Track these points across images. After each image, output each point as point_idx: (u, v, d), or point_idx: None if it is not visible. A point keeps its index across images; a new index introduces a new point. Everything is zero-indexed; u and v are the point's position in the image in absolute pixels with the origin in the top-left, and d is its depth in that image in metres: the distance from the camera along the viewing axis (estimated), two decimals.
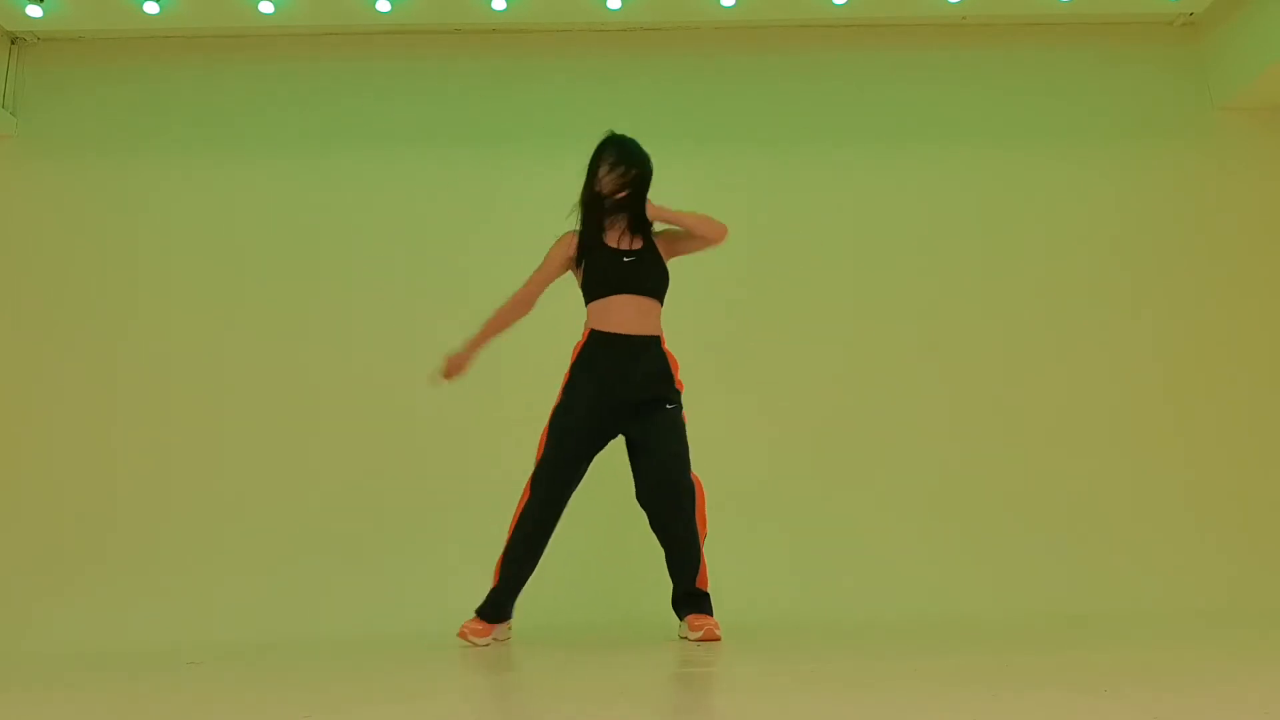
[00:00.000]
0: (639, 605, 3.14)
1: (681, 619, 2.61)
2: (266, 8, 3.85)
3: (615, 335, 2.65)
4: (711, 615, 2.58)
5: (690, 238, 2.82)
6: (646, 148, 4.05)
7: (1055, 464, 3.66)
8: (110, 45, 4.07)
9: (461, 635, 2.55)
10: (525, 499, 2.61)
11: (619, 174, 2.72)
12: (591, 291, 2.72)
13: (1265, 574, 3.39)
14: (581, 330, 2.73)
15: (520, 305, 2.81)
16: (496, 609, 2.61)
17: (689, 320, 3.79)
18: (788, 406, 3.75)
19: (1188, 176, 4.00)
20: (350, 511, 3.57)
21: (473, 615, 2.60)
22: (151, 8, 3.82)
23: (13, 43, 4.04)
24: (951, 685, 1.63)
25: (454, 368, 2.81)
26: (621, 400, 2.63)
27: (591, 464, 2.71)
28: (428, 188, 3.95)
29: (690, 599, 2.60)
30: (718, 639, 2.49)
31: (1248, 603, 3.21)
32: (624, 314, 2.67)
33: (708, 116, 4.07)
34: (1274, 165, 4.00)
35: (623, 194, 2.73)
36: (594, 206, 2.76)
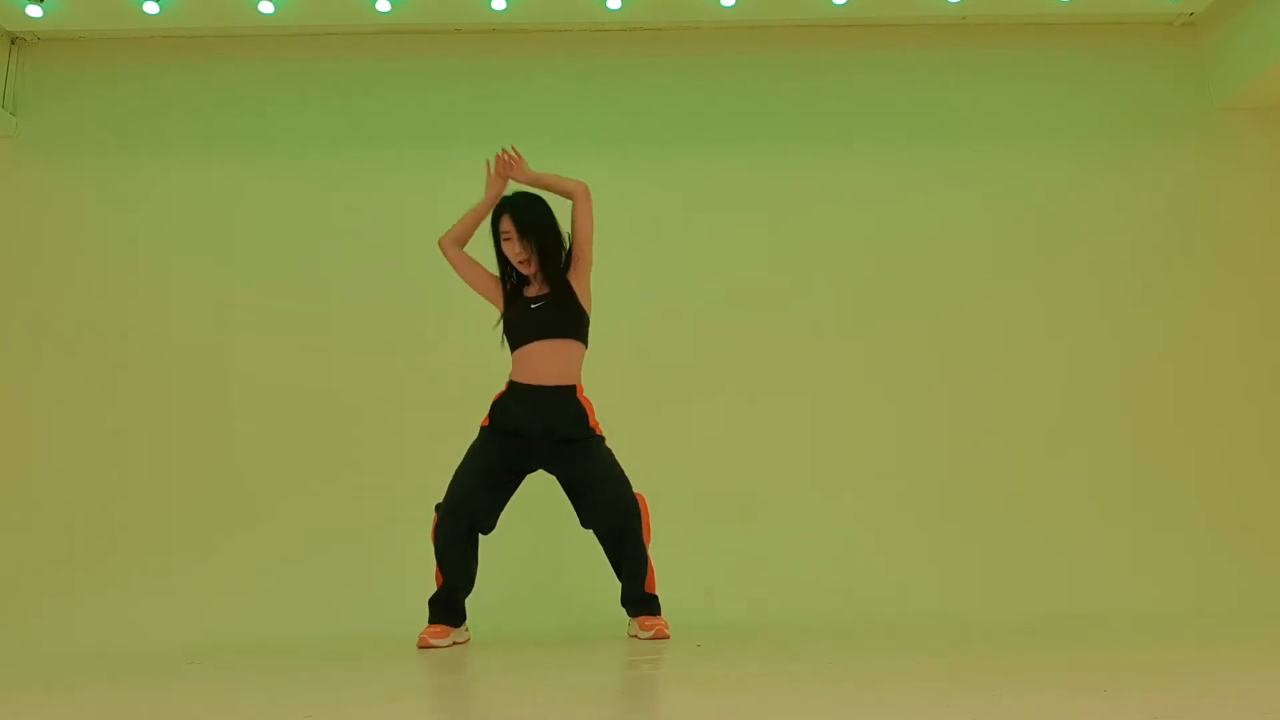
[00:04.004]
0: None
1: (632, 618, 2.73)
2: (266, 8, 3.85)
3: (530, 386, 2.71)
4: (660, 615, 2.71)
5: (573, 205, 2.90)
6: (646, 148, 4.06)
7: (1054, 463, 3.66)
8: (110, 45, 4.07)
9: (421, 645, 2.61)
10: (434, 524, 2.69)
11: (521, 249, 2.76)
12: (510, 342, 2.79)
13: (1265, 574, 3.39)
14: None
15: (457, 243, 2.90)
16: (436, 614, 2.69)
17: (689, 319, 3.82)
18: (788, 405, 3.75)
19: (1188, 176, 3.99)
20: (349, 512, 3.57)
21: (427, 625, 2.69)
22: (151, 8, 3.82)
23: (13, 43, 4.04)
24: (951, 685, 1.63)
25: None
26: (536, 445, 2.69)
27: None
28: (427, 187, 3.94)
29: (641, 602, 2.72)
30: (668, 637, 2.62)
31: (1248, 603, 3.21)
32: (542, 363, 2.72)
33: (708, 117, 4.07)
34: (1274, 165, 4.00)
35: (530, 268, 2.79)
36: (507, 267, 2.83)
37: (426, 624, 2.69)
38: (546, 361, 2.71)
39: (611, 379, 3.65)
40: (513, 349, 2.77)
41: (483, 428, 2.75)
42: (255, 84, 4.08)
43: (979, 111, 4.08)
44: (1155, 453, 3.67)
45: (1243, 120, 4.03)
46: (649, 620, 2.67)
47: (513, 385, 2.74)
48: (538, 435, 2.68)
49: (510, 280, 2.85)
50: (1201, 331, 3.82)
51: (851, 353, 3.81)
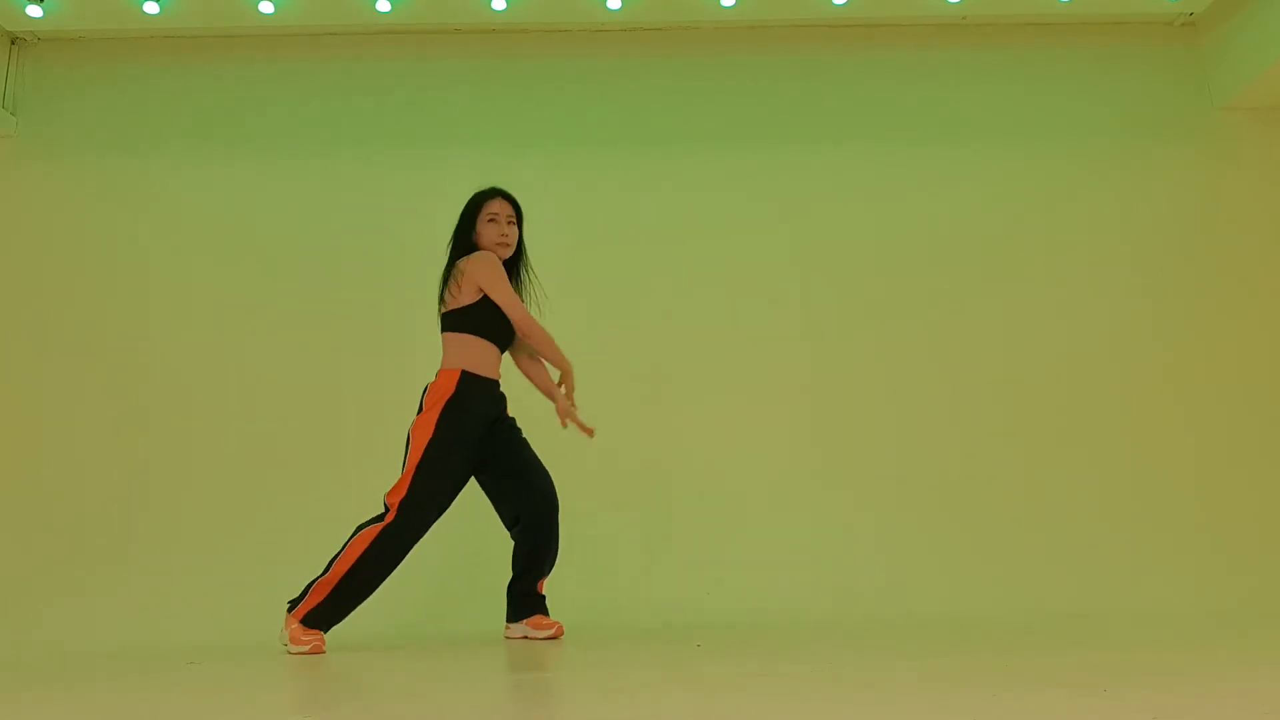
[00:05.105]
0: (636, 606, 3.15)
1: (519, 619, 2.72)
2: (266, 8, 3.85)
3: (486, 379, 2.72)
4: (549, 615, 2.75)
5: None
6: (646, 148, 4.07)
7: (1055, 463, 3.66)
8: (110, 45, 4.07)
9: (294, 640, 2.49)
10: (390, 522, 2.56)
11: (509, 234, 2.81)
12: (485, 330, 2.72)
13: (1265, 574, 3.39)
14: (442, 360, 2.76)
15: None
16: (328, 621, 2.56)
17: (690, 318, 3.82)
18: (789, 405, 3.75)
19: (1188, 176, 3.99)
20: (353, 511, 3.56)
21: (298, 622, 2.52)
22: (151, 8, 3.82)
23: (13, 43, 4.04)
24: (952, 685, 1.63)
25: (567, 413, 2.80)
26: (485, 437, 2.71)
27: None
28: (428, 187, 3.94)
29: (536, 600, 2.74)
30: (560, 634, 2.68)
31: (1248, 603, 3.21)
32: (495, 361, 2.77)
33: (708, 116, 4.07)
34: (1274, 165, 4.00)
35: (511, 251, 2.83)
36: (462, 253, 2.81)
37: (304, 625, 2.52)
38: (497, 360, 2.79)
39: (613, 379, 3.65)
40: (478, 334, 2.70)
41: (440, 424, 2.60)
42: (255, 84, 4.08)
43: (979, 111, 4.08)
44: (1155, 452, 3.68)
45: (1243, 120, 4.04)
46: (545, 620, 2.71)
47: (468, 375, 2.67)
48: (489, 425, 2.71)
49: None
50: (1201, 331, 3.82)
51: (852, 352, 3.81)
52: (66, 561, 3.45)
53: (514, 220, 2.83)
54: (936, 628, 2.72)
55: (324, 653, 2.51)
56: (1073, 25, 4.13)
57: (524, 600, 2.74)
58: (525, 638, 2.69)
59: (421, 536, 2.63)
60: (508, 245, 2.80)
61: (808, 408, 3.75)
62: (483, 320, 2.71)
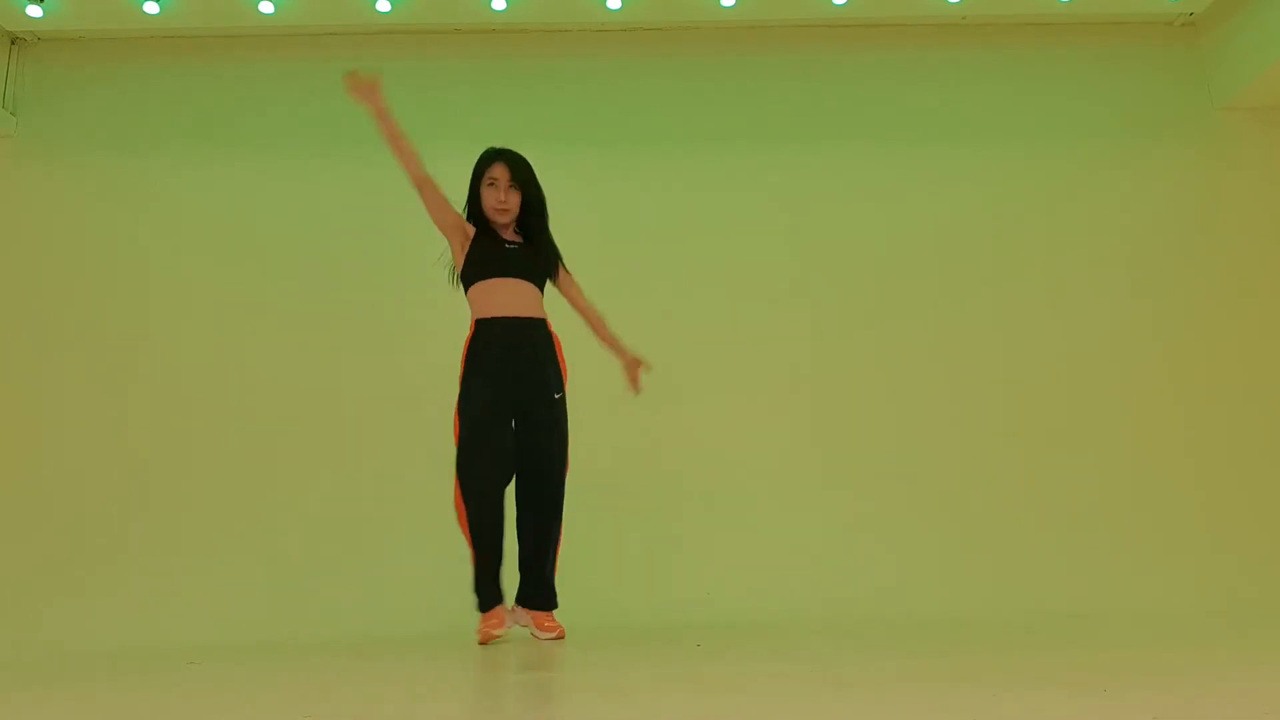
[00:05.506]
0: (636, 606, 3.14)
1: (528, 606, 2.71)
2: (266, 8, 3.85)
3: (500, 319, 2.68)
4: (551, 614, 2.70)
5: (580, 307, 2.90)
6: (646, 148, 4.05)
7: (1053, 463, 3.66)
8: (110, 45, 4.07)
9: (485, 639, 2.57)
10: (458, 488, 2.61)
11: (506, 197, 2.74)
12: (472, 276, 2.73)
13: (1266, 574, 3.38)
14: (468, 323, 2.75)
15: (421, 176, 2.74)
16: (488, 597, 2.63)
17: (691, 318, 3.81)
18: (789, 405, 3.75)
19: (1188, 176, 3.99)
20: (353, 511, 3.56)
21: (479, 617, 2.63)
22: (151, 8, 3.82)
23: (13, 43, 4.04)
24: (951, 685, 1.63)
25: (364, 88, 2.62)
26: (513, 380, 2.65)
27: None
28: None
29: (548, 595, 2.71)
30: (563, 636, 2.65)
31: (1249, 603, 3.21)
32: (508, 297, 2.69)
33: (708, 116, 4.07)
34: (1274, 165, 4.00)
35: (506, 218, 2.77)
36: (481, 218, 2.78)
37: (480, 611, 2.62)
38: (512, 295, 2.70)
39: (613, 379, 3.65)
40: (475, 281, 2.71)
41: (464, 379, 2.65)
42: (255, 84, 4.08)
43: (979, 111, 4.08)
44: (1156, 452, 3.68)
45: (1243, 120, 4.04)
46: (549, 622, 2.67)
47: (481, 322, 2.68)
48: (511, 366, 2.64)
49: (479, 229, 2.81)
50: (1202, 331, 3.82)
51: (852, 352, 3.81)
52: (66, 561, 3.44)
53: (514, 185, 2.76)
54: (936, 628, 2.71)
55: (503, 628, 2.59)
56: (1073, 25, 4.13)
57: (537, 589, 2.71)
58: (530, 633, 2.68)
59: (499, 477, 2.62)
60: (504, 211, 2.75)
61: (808, 407, 3.75)
62: (475, 263, 2.72)
